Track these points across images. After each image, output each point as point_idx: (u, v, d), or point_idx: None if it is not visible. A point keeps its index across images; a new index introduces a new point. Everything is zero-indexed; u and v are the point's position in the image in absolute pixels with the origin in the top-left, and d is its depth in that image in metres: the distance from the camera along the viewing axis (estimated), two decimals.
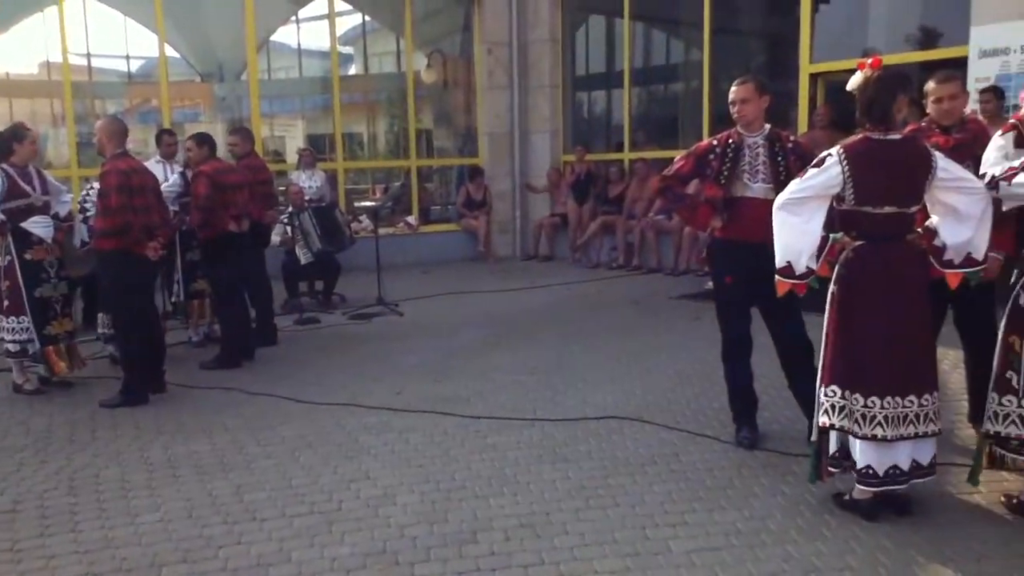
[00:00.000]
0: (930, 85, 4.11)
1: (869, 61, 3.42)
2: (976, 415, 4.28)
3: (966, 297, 3.85)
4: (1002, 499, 3.50)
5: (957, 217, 3.35)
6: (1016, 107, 6.99)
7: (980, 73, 7.22)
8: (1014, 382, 3.32)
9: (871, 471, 3.33)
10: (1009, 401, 3.34)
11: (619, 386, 5.46)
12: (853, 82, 3.43)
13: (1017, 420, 3.33)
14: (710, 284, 5.11)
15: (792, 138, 4.31)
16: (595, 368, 5.92)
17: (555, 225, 11.92)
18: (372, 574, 3.15)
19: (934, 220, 3.43)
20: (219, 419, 5.06)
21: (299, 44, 16.43)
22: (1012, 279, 3.40)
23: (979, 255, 3.37)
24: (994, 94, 6.72)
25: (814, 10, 9.34)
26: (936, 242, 3.39)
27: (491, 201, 12.28)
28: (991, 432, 3.41)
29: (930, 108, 4.14)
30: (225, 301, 6.59)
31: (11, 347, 5.68)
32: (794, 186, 3.39)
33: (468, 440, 4.55)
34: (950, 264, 3.39)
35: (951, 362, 5.07)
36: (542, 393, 5.36)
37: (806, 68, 9.32)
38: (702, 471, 4.01)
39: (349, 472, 4.15)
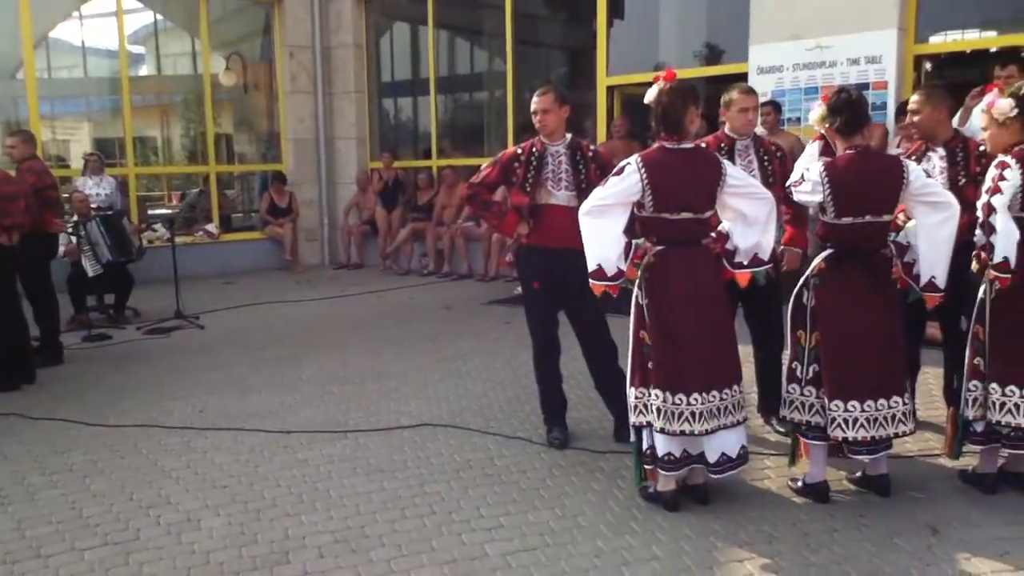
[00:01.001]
0: (733, 95, 4.34)
1: (663, 74, 3.59)
2: (764, 407, 4.61)
3: (754, 294, 4.14)
4: (788, 483, 3.77)
5: (745, 221, 3.59)
6: (794, 120, 7.65)
7: (758, 88, 7.78)
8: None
9: (671, 456, 3.49)
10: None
11: (432, 393, 5.45)
12: (650, 95, 3.60)
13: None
14: (519, 289, 5.21)
15: (592, 147, 4.47)
16: (408, 376, 5.88)
17: (364, 232, 11.78)
18: None
19: (725, 225, 3.65)
20: None
21: (83, 42, 15.34)
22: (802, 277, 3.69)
23: (765, 255, 3.62)
24: (773, 107, 7.30)
25: (609, 25, 9.77)
26: (728, 245, 3.61)
27: (297, 208, 11.97)
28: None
29: (732, 118, 4.34)
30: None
31: None
32: (597, 194, 3.50)
33: (277, 456, 4.39)
34: (740, 265, 3.62)
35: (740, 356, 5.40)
36: (354, 404, 5.26)
37: (603, 80, 9.74)
38: (516, 473, 4.06)
39: (147, 498, 3.88)
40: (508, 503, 3.72)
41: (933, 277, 3.57)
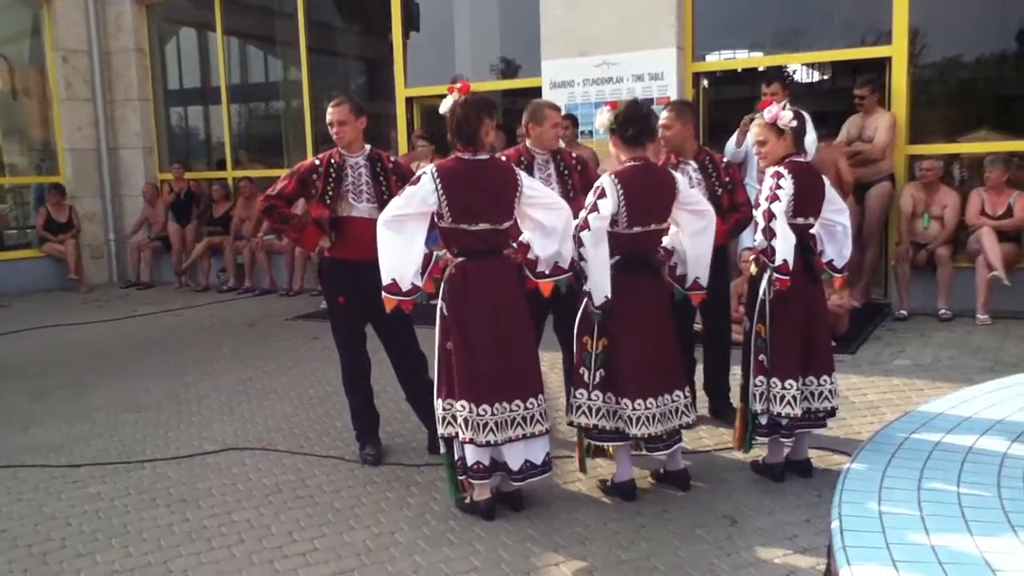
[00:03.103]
0: (546, 112, 4.45)
1: (459, 86, 3.64)
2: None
3: (562, 304, 4.28)
4: (598, 484, 3.92)
5: (544, 231, 3.68)
6: (587, 133, 7.98)
7: (553, 102, 8.09)
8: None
9: (480, 466, 3.55)
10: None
11: (238, 415, 5.24)
12: (444, 105, 3.63)
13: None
14: (325, 304, 5.11)
15: (392, 158, 4.46)
16: (210, 399, 5.63)
17: (155, 248, 11.14)
18: None
19: (526, 235, 3.75)
20: None
21: None
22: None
23: (565, 264, 3.74)
24: (572, 120, 7.59)
25: (405, 37, 9.81)
26: (530, 255, 3.71)
27: (79, 223, 11.13)
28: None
29: (542, 133, 4.43)
30: None
31: None
32: (394, 204, 3.50)
33: (66, 492, 4.08)
34: (543, 275, 3.73)
35: (548, 363, 5.57)
36: (152, 431, 4.98)
37: (401, 92, 9.77)
38: (329, 493, 3.98)
39: None
40: (322, 524, 3.64)
41: (697, 277, 3.89)
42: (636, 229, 3.67)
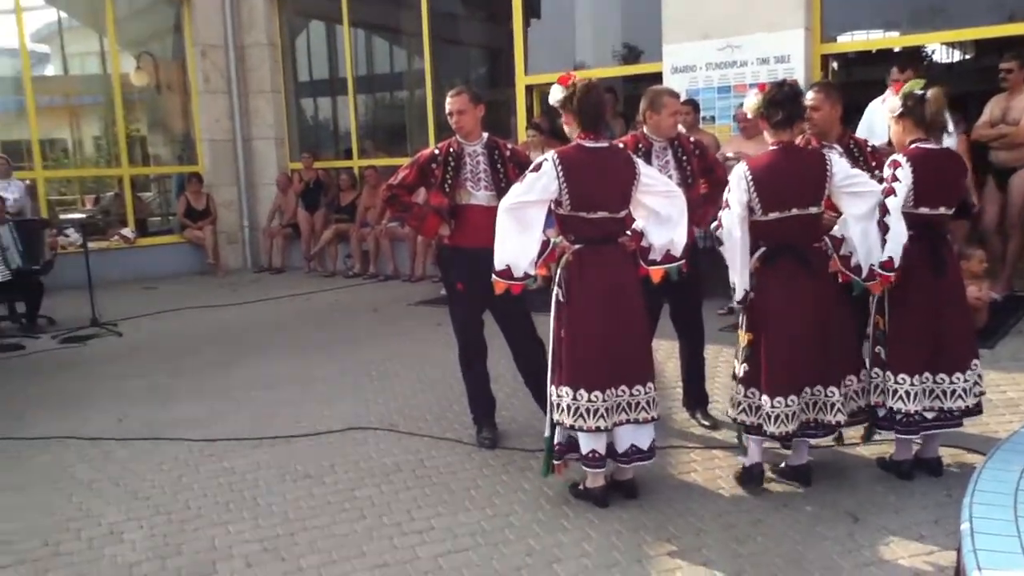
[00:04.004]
0: (665, 99, 4.33)
1: (570, 75, 3.63)
2: (689, 401, 4.72)
3: (677, 292, 4.24)
4: (735, 473, 3.85)
5: (658, 219, 3.65)
6: (709, 119, 7.83)
7: (674, 87, 7.95)
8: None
9: (596, 454, 3.55)
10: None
11: (361, 396, 5.42)
12: (554, 95, 3.61)
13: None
14: (444, 290, 5.21)
15: (510, 146, 4.50)
16: (336, 379, 5.84)
17: (286, 235, 11.61)
18: None
19: (640, 223, 3.72)
20: None
21: None
22: None
23: (677, 252, 3.69)
24: (692, 106, 7.46)
25: (526, 24, 9.84)
26: (643, 243, 3.68)
27: (215, 210, 11.72)
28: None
29: (660, 121, 4.32)
30: None
31: None
32: (515, 191, 3.50)
33: (202, 465, 4.31)
34: (653, 262, 3.69)
35: (665, 352, 5.53)
36: (281, 409, 5.20)
37: (521, 80, 9.80)
38: (446, 474, 4.08)
39: (67, 512, 3.78)
40: (439, 504, 3.73)
41: (873, 265, 3.57)
42: (773, 215, 3.53)
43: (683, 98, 7.60)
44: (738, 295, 3.62)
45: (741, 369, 3.67)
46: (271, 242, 11.70)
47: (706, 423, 4.58)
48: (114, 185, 12.09)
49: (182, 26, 11.96)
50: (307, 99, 13.19)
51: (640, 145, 4.32)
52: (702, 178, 4.39)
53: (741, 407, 3.68)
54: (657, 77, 8.05)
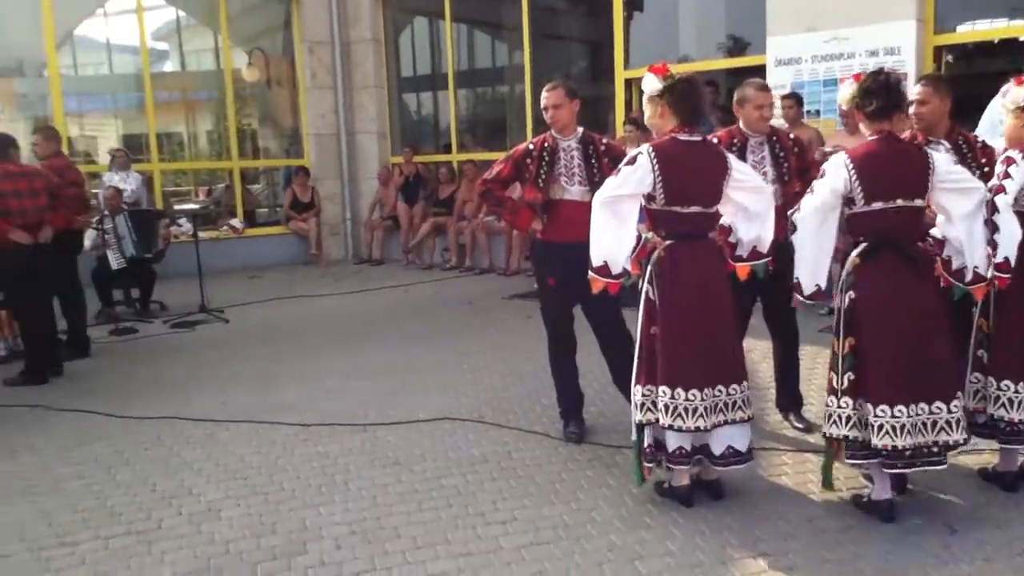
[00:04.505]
0: (748, 92, 4.28)
1: (665, 65, 3.56)
2: (782, 402, 4.61)
3: (770, 289, 4.14)
4: (852, 496, 3.58)
5: (747, 215, 3.58)
6: (814, 113, 7.60)
7: (777, 80, 7.78)
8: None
9: (682, 451, 3.49)
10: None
11: (452, 387, 5.49)
12: (651, 85, 3.51)
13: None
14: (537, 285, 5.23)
15: (605, 141, 4.47)
16: (428, 370, 5.93)
17: (386, 227, 11.84)
18: None
19: (727, 218, 3.64)
20: (24, 438, 4.73)
21: (108, 39, 15.49)
22: None
23: (764, 248, 3.61)
24: (795, 100, 7.27)
25: (628, 18, 9.75)
26: (731, 239, 3.61)
27: (320, 203, 12.05)
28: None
29: (746, 115, 4.27)
30: (25, 314, 6.13)
31: None
32: (609, 184, 3.46)
33: (297, 448, 4.46)
34: (740, 259, 3.61)
35: (761, 353, 5.41)
36: (374, 397, 5.32)
37: (620, 73, 9.72)
38: (532, 467, 4.10)
39: (170, 488, 3.97)
40: (524, 497, 3.76)
41: (976, 267, 3.37)
42: (876, 205, 3.30)
43: (787, 91, 7.48)
44: (807, 288, 3.42)
45: (845, 379, 3.37)
46: (371, 234, 11.96)
47: (799, 426, 4.46)
48: (225, 177, 12.57)
49: (291, 23, 12.32)
50: (409, 94, 13.43)
51: (735, 140, 4.25)
52: (798, 177, 4.26)
53: (844, 421, 3.38)
54: (760, 70, 7.86)
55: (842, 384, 3.39)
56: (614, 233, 3.45)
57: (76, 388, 5.77)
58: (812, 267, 3.42)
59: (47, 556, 3.33)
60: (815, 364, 5.37)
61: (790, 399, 4.58)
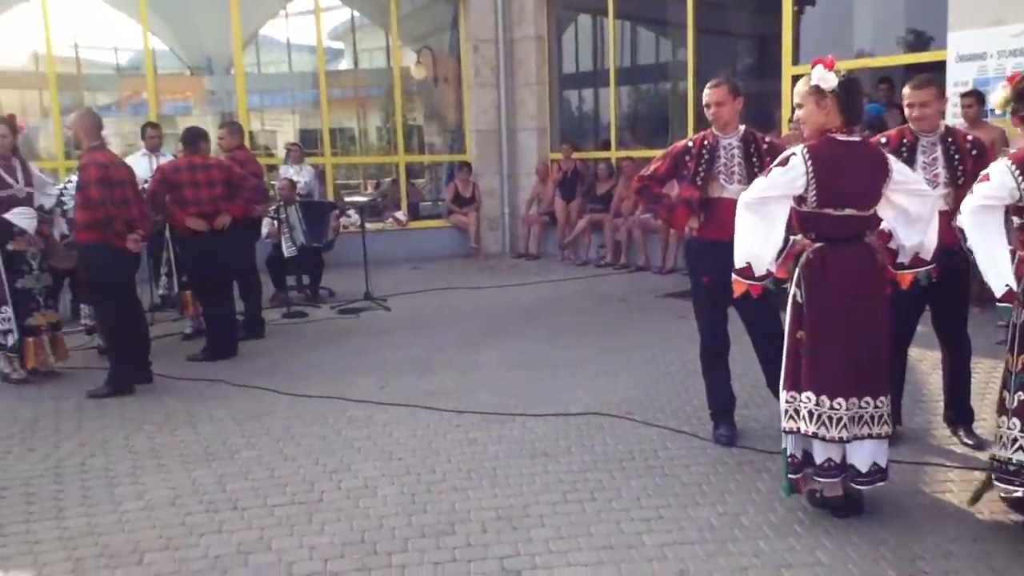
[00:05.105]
0: (905, 90, 4.12)
1: (832, 59, 3.42)
2: (951, 417, 4.36)
3: (942, 297, 3.93)
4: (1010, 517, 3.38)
5: (908, 219, 3.40)
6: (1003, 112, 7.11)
7: (959, 77, 7.33)
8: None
9: (831, 463, 3.38)
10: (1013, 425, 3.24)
11: (602, 383, 5.52)
12: (827, 81, 3.35)
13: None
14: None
15: (767, 139, 4.36)
16: (579, 365, 5.98)
17: (543, 223, 11.98)
18: (349, 563, 3.20)
19: (887, 223, 3.48)
20: (204, 410, 5.11)
21: (288, 38, 16.46)
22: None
23: (927, 255, 3.43)
24: (975, 98, 6.82)
25: (799, 12, 9.42)
26: (891, 244, 3.44)
27: (480, 198, 12.33)
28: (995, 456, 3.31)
29: (908, 113, 4.10)
30: (207, 295, 6.63)
31: None
32: (758, 185, 3.38)
33: (450, 434, 4.61)
34: (901, 266, 3.45)
35: (931, 363, 5.15)
36: (525, 389, 5.42)
37: (788, 69, 9.40)
38: (679, 467, 4.07)
39: (331, 464, 4.20)
40: (669, 496, 3.74)
41: None
42: None
43: (968, 88, 7.03)
44: (998, 291, 3.16)
45: (1015, 399, 3.15)
46: (528, 229, 12.13)
47: (969, 442, 4.21)
48: (392, 171, 13.08)
49: (458, 22, 12.66)
50: (570, 91, 13.51)
51: (904, 140, 4.05)
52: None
53: (1010, 443, 3.17)
54: (940, 66, 7.43)
55: (1012, 403, 3.19)
56: (759, 234, 3.37)
57: (252, 366, 6.18)
58: (993, 268, 3.18)
59: (220, 518, 3.61)
60: (991, 379, 5.04)
61: (959, 414, 4.33)
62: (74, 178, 5.82)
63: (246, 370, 6.03)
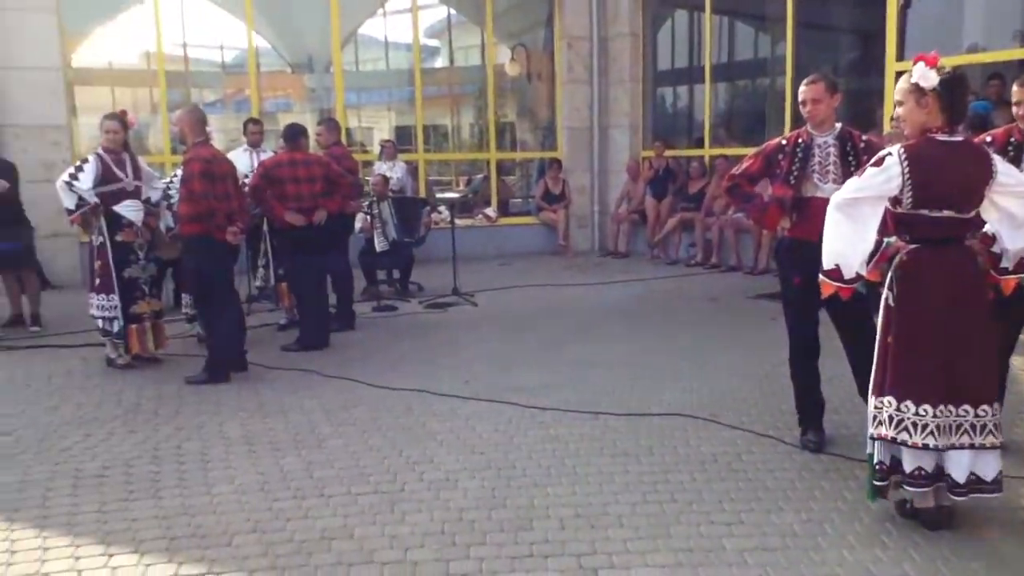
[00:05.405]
0: (1014, 87, 3.95)
1: (936, 56, 3.29)
2: None
3: None
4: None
5: (1013, 223, 3.25)
6: None
7: None
8: None
9: (921, 472, 3.26)
10: None
11: (687, 384, 5.46)
12: (928, 79, 3.24)
13: None
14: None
15: (864, 137, 4.22)
16: (664, 365, 5.93)
17: (633, 221, 11.89)
18: (428, 553, 3.25)
19: (991, 226, 3.33)
20: (295, 399, 5.26)
21: (386, 37, 16.76)
22: None
23: None
24: None
25: (905, 4, 9.08)
26: (994, 248, 3.29)
27: (570, 195, 12.32)
28: None
29: (1017, 112, 3.93)
30: (299, 288, 6.82)
31: (99, 323, 6.01)
32: (850, 186, 3.29)
33: (532, 430, 4.63)
34: (1004, 271, 3.30)
35: None
36: (608, 387, 5.40)
37: (892, 65, 9.06)
38: (763, 472, 3.99)
39: (414, 455, 4.27)
40: (751, 500, 3.67)
41: None
42: None
43: None
44: None
45: None
46: (618, 227, 12.06)
47: None
48: (483, 168, 13.20)
49: (553, 19, 12.67)
50: (663, 88, 13.36)
51: (1012, 139, 3.87)
52: None
53: None
54: None
55: None
56: (849, 236, 3.28)
57: (341, 357, 6.33)
58: None
59: (307, 504, 3.71)
60: None
61: None
62: (180, 172, 6.06)
63: (336, 361, 6.18)
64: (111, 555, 3.28)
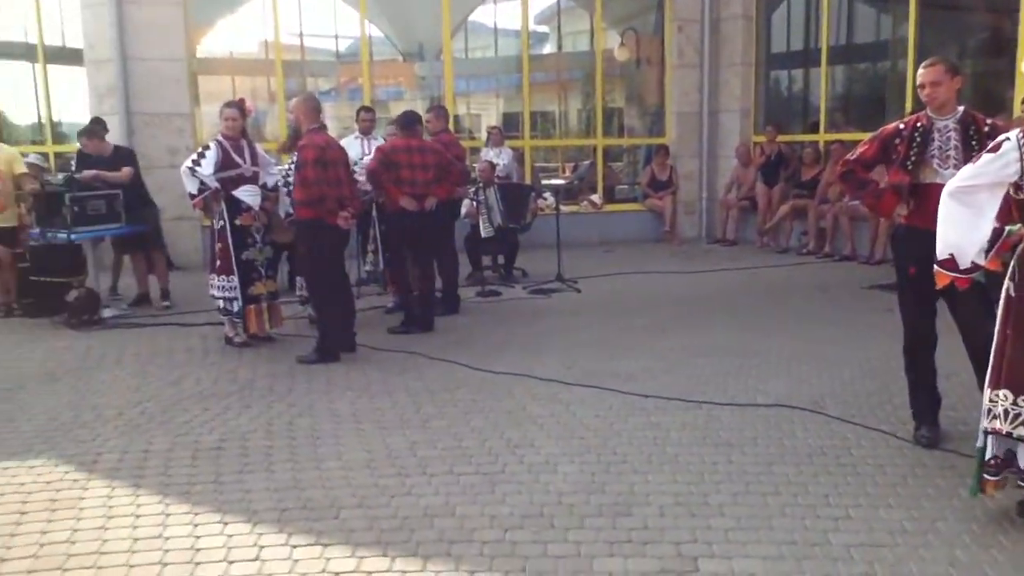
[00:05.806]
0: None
1: None
2: None
3: None
4: None
5: None
6: None
7: None
8: None
9: (996, 460, 3.11)
10: None
11: (795, 375, 5.33)
12: None
13: None
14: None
15: (989, 121, 4.01)
16: (772, 355, 5.80)
17: (742, 208, 11.63)
18: (527, 535, 3.28)
19: None
20: (401, 380, 5.39)
21: (495, 24, 16.84)
22: None
23: None
24: None
25: None
26: None
27: (677, 181, 12.14)
28: None
29: None
30: (406, 272, 6.96)
31: (220, 303, 6.30)
32: (966, 172, 3.16)
33: (632, 416, 4.61)
34: None
35: None
36: (713, 376, 5.32)
37: None
38: (872, 467, 3.87)
39: (515, 438, 4.32)
40: (860, 495, 3.57)
41: None
42: None
43: None
44: None
45: None
46: (727, 214, 11.82)
47: None
48: (590, 154, 13.14)
49: (664, 3, 12.47)
50: (777, 71, 12.99)
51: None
52: None
53: None
54: None
55: None
56: (964, 225, 3.16)
57: (446, 340, 6.45)
58: None
59: (410, 482, 3.81)
60: None
61: None
62: (295, 158, 6.27)
63: (441, 344, 6.30)
64: (227, 523, 3.45)
